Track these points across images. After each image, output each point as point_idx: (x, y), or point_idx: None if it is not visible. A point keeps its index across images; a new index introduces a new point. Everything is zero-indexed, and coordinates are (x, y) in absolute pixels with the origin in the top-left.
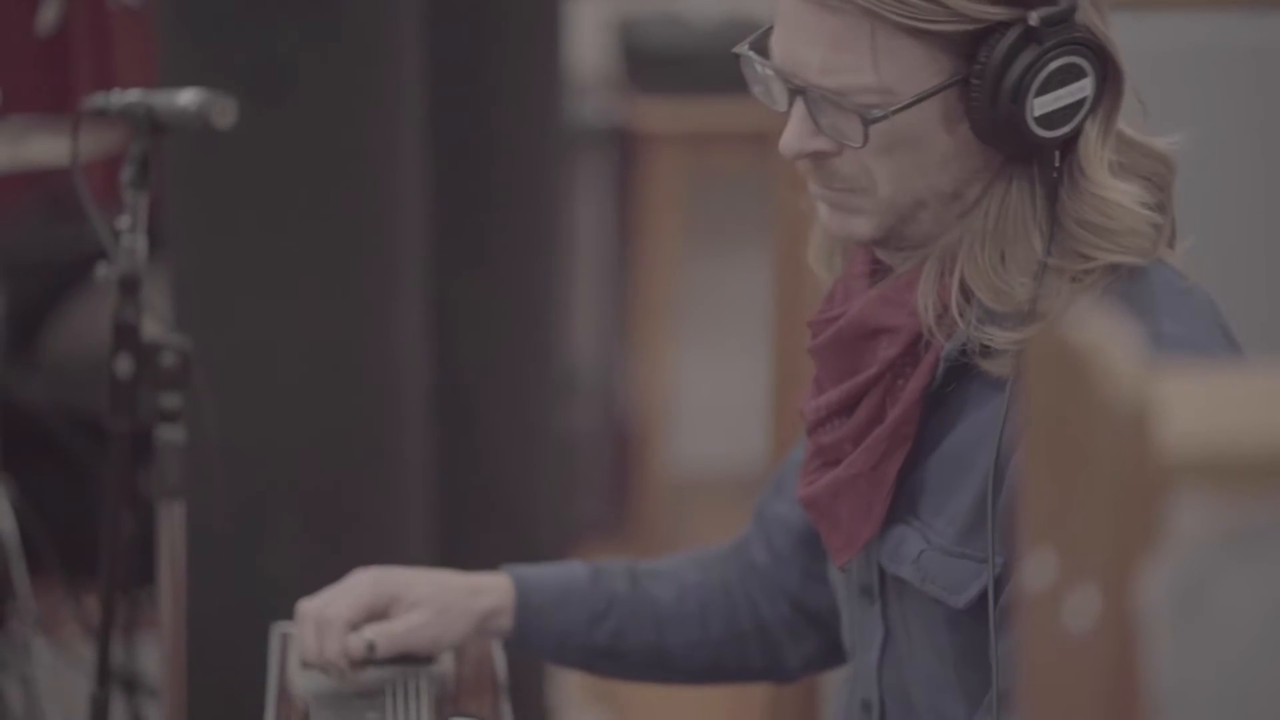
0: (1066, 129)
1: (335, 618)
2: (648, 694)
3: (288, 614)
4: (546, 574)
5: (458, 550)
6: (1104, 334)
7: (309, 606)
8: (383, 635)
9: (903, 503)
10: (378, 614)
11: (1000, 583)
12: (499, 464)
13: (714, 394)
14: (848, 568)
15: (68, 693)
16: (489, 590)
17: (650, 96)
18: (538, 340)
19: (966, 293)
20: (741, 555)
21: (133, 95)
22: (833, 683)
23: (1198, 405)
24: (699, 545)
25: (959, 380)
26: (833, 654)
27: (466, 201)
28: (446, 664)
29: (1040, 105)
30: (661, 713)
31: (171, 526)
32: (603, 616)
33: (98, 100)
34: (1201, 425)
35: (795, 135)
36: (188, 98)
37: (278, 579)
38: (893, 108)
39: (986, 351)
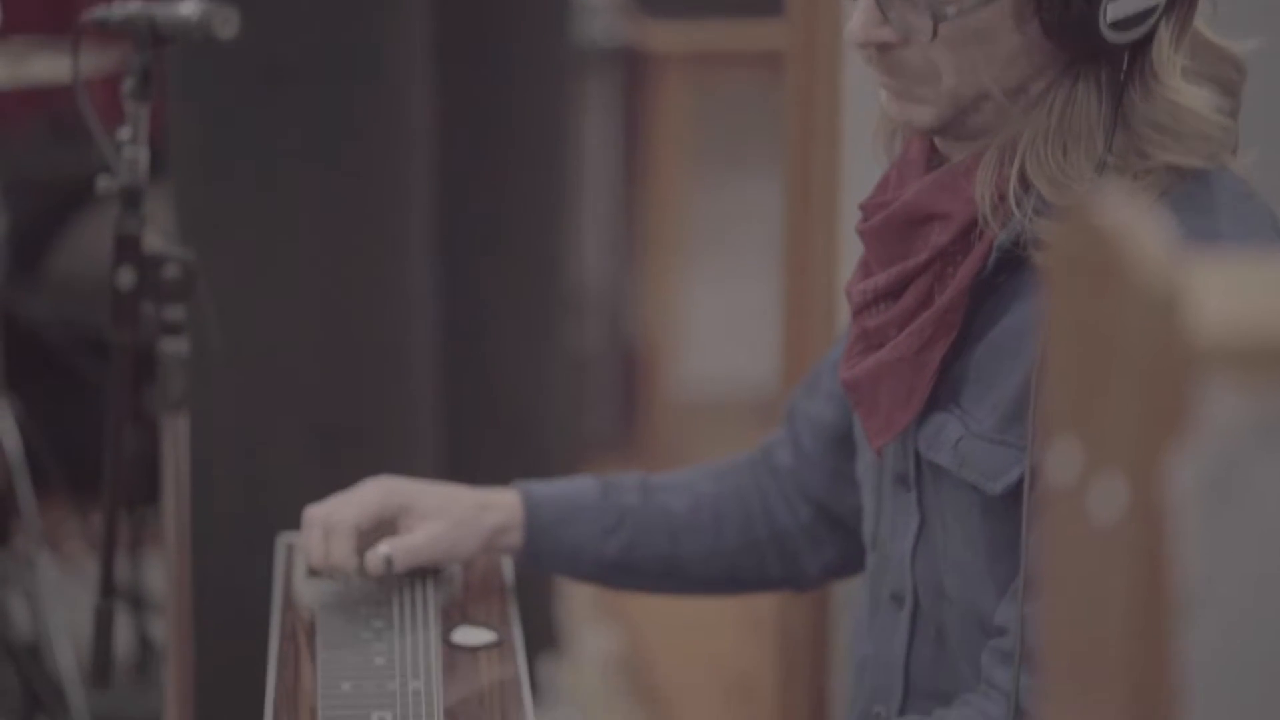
0: (1138, 32)
1: (342, 523)
2: (657, 608)
3: (293, 528)
4: (556, 489)
5: (465, 466)
6: (1134, 218)
7: (316, 512)
8: (400, 549)
9: (944, 390)
10: (386, 523)
11: (1038, 472)
12: (507, 380)
13: (723, 314)
14: (884, 454)
15: (73, 608)
16: (498, 506)
17: (659, 17)
18: (546, 257)
19: (1025, 183)
20: (764, 461)
21: (133, 7)
22: (845, 589)
23: (1229, 291)
24: (705, 454)
25: (1009, 271)
26: (851, 561)
27: (475, 119)
28: (454, 572)
29: (1114, 9)
30: (671, 626)
31: (175, 439)
32: (614, 530)
33: (98, 12)
34: (1232, 311)
35: (862, 25)
36: (189, 8)
37: (282, 493)
38: (966, 5)
39: (1040, 244)
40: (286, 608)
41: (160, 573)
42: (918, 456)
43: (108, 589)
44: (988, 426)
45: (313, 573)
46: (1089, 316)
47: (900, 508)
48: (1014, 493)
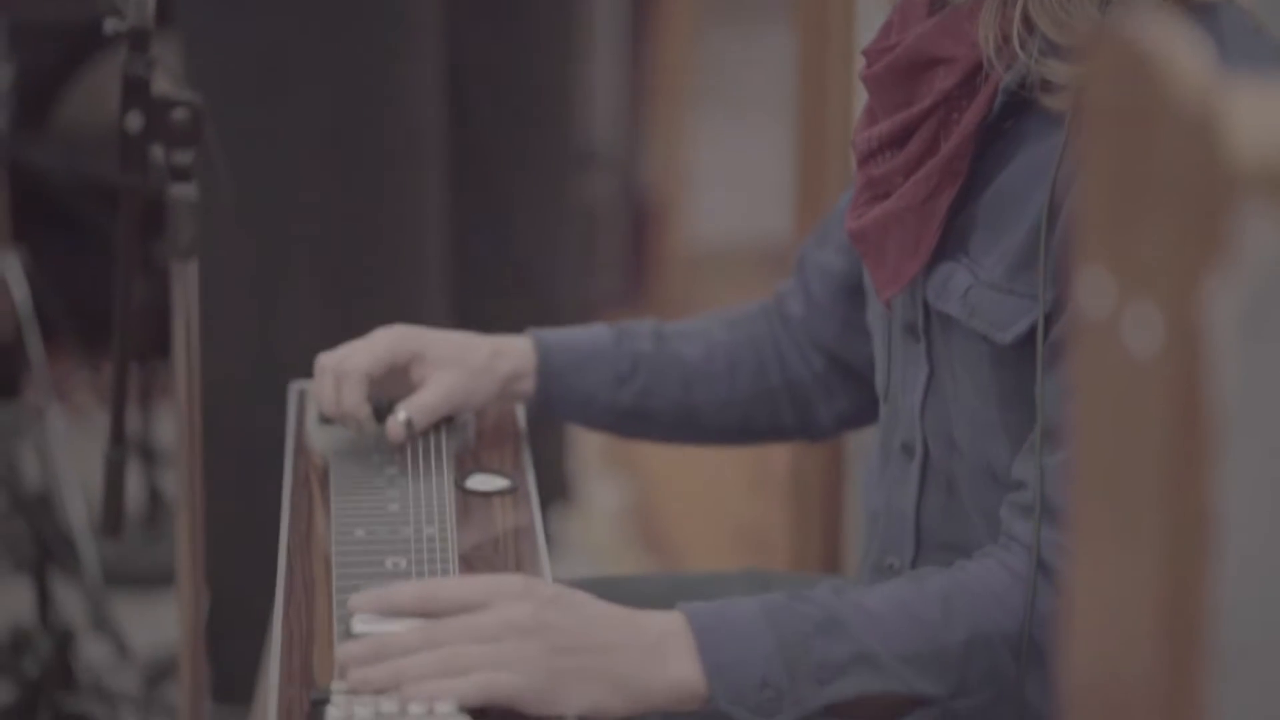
0: None
1: (354, 369)
2: (668, 460)
3: (304, 378)
4: (569, 336)
5: (475, 321)
6: (1171, 36)
7: (328, 359)
8: (418, 409)
9: (952, 239)
10: (398, 370)
11: (1050, 320)
12: (517, 234)
13: (734, 167)
14: (892, 305)
15: (82, 461)
16: (511, 352)
17: None
18: (555, 113)
19: (1029, 24)
20: (776, 309)
21: None
22: (858, 441)
23: (1270, 114)
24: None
25: (1016, 116)
26: (864, 412)
27: None
28: (467, 420)
29: None
30: (682, 478)
31: (185, 287)
32: (628, 377)
33: None
34: (1274, 135)
35: None
36: None
37: (293, 344)
38: None
39: (1046, 85)
40: (299, 455)
41: (170, 426)
42: (926, 307)
43: (118, 438)
44: (997, 275)
45: (325, 420)
46: (1123, 141)
47: (910, 359)
48: (1024, 342)
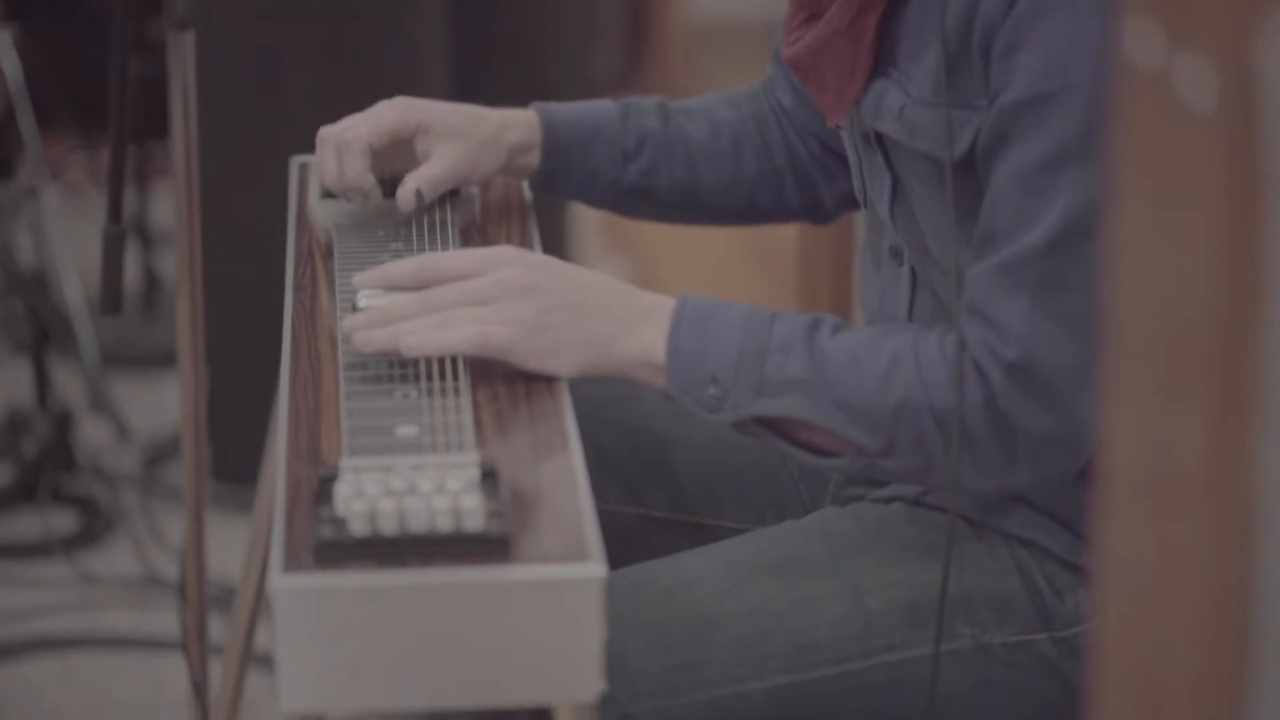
0: None
1: (356, 141)
2: (669, 240)
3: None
4: (575, 111)
5: (473, 99)
6: None
7: (329, 131)
8: (427, 181)
9: (884, 55)
10: (401, 141)
11: (980, 130)
12: (516, 15)
13: None
14: (842, 124)
15: (78, 241)
16: (517, 124)
17: None
18: None
19: None
20: (768, 95)
21: None
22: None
23: None
24: (717, 85)
25: None
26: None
27: None
28: (472, 193)
29: None
30: (683, 260)
31: (183, 60)
32: (634, 154)
33: None
34: None
35: None
36: None
37: (293, 122)
38: None
39: None
40: (301, 229)
41: (168, 208)
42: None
43: (116, 216)
44: (925, 90)
45: (327, 194)
46: None
47: (873, 168)
48: (971, 154)
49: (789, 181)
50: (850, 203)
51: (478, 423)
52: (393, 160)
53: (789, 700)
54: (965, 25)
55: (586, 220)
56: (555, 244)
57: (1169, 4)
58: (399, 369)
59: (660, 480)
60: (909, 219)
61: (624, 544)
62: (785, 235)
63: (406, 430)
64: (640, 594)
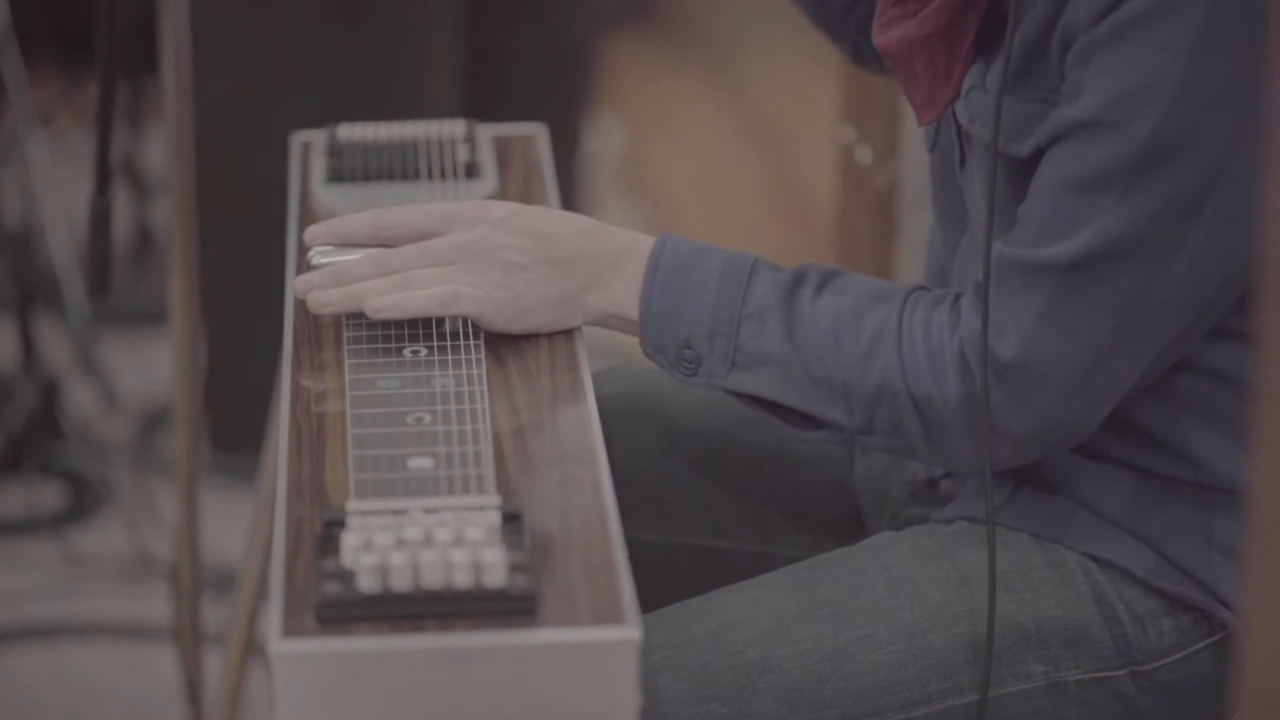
0: None
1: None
2: (688, 186)
3: (302, 115)
4: None
5: (484, 48)
6: None
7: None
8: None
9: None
10: None
11: (1054, 124)
12: None
13: None
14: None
15: (67, 191)
16: None
17: None
18: None
19: None
20: None
21: None
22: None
23: None
24: (736, 26)
25: None
26: None
27: None
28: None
29: None
30: (704, 205)
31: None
32: None
33: None
34: None
35: None
36: None
37: (291, 74)
38: None
39: None
40: (304, 215)
41: (161, 150)
42: (957, 123)
43: (103, 185)
44: (997, 75)
45: (334, 178)
46: None
47: (946, 147)
48: (1038, 156)
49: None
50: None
51: (498, 453)
52: None
53: None
54: (1050, 20)
55: (604, 168)
56: (565, 196)
57: None
58: (412, 388)
59: (701, 505)
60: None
61: (663, 578)
62: (808, 185)
63: (420, 463)
64: (681, 637)
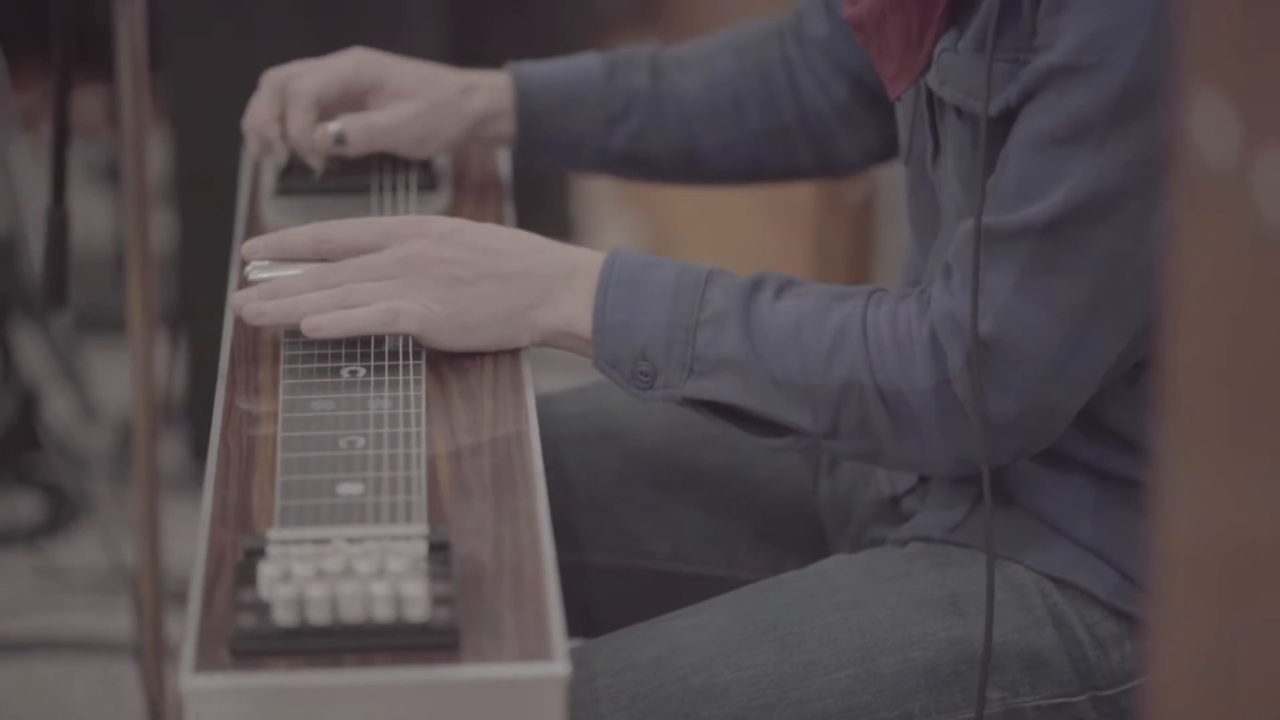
0: None
1: (303, 92)
2: (683, 196)
3: None
4: (554, 71)
5: (471, 44)
6: None
7: (275, 75)
8: (357, 126)
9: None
10: (354, 98)
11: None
12: None
13: None
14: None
15: (49, 196)
16: (484, 89)
17: None
18: None
19: None
20: (793, 30)
21: None
22: (888, 209)
23: None
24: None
25: None
26: (893, 144)
27: None
28: (443, 164)
29: None
30: (699, 215)
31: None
32: (620, 118)
33: None
34: None
35: None
36: None
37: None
38: None
39: None
40: (250, 230)
41: (150, 155)
42: (929, 91)
43: (59, 193)
44: (973, 38)
45: (283, 190)
46: None
47: (917, 129)
48: (1010, 115)
49: (799, 139)
50: (875, 156)
51: (432, 479)
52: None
53: None
54: None
55: (598, 179)
56: (560, 205)
57: (1249, 88)
58: (346, 410)
59: (662, 527)
60: (947, 185)
61: (622, 602)
62: (808, 193)
63: (350, 489)
64: (624, 663)
